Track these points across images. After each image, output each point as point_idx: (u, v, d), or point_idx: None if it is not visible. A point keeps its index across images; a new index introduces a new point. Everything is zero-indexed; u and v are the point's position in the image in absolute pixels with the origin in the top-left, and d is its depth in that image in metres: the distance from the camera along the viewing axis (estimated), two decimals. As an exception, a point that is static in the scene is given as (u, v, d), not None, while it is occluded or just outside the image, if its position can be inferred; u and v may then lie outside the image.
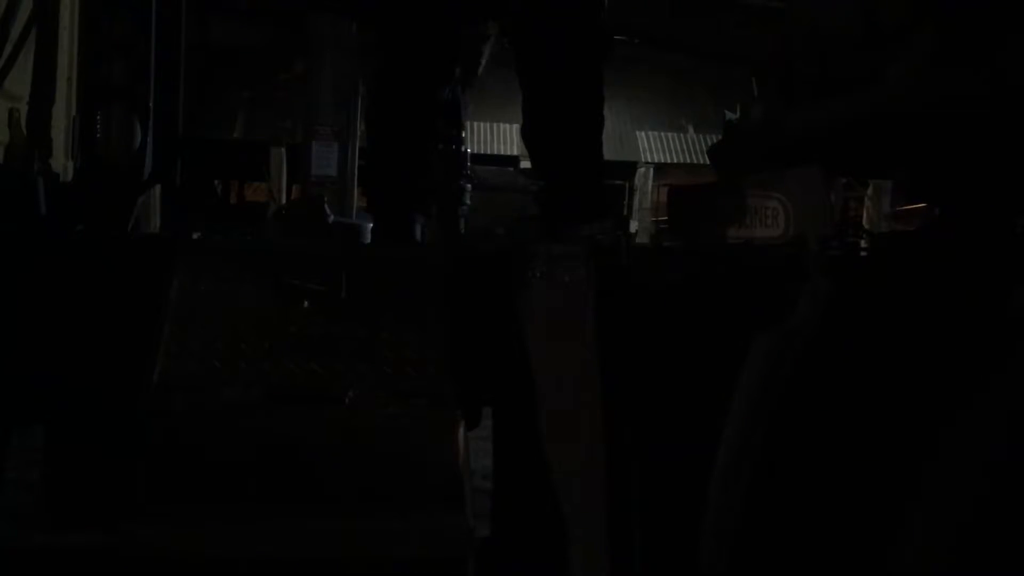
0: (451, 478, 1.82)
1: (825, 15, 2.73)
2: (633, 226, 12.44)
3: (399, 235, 2.73)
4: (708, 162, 4.08)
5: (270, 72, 12.29)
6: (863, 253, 2.63)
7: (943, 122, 2.24)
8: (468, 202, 6.71)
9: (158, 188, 2.91)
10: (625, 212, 13.69)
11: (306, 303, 1.96)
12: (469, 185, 6.75)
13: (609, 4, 2.80)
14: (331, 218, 2.70)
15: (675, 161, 14.27)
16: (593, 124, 2.74)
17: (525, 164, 11.72)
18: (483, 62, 5.34)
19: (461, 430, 1.92)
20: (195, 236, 2.35)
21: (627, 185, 14.12)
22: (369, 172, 3.22)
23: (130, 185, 2.54)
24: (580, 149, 2.71)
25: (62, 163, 3.16)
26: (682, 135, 14.50)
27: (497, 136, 13.79)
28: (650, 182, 14.28)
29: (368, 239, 2.80)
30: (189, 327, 1.92)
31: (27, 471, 2.25)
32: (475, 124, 12.65)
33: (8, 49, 2.62)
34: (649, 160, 14.36)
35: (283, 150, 12.50)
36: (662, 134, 14.52)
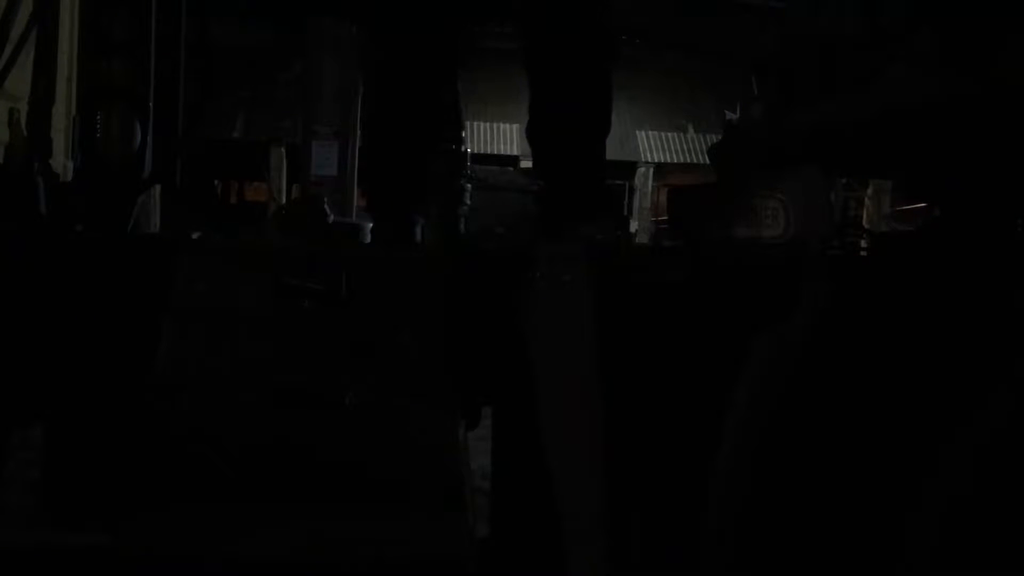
0: (451, 478, 1.82)
1: (825, 15, 2.73)
2: (633, 226, 12.42)
3: (399, 235, 2.73)
4: (708, 162, 4.08)
5: (270, 72, 12.29)
6: (863, 253, 2.63)
7: (943, 122, 2.24)
8: (468, 202, 6.70)
9: (158, 188, 2.91)
10: (625, 212, 13.68)
11: (306, 303, 1.96)
12: (469, 185, 6.74)
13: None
14: (331, 218, 2.70)
15: (675, 161, 14.26)
16: (598, 125, 2.74)
17: (525, 164, 11.72)
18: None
19: (461, 430, 1.92)
20: (195, 236, 2.35)
21: (627, 185, 14.11)
22: (369, 172, 3.21)
23: (130, 185, 2.54)
24: (584, 149, 2.71)
25: (62, 163, 3.16)
26: (682, 135, 14.49)
27: (497, 136, 13.78)
28: (650, 182, 14.26)
29: (368, 239, 2.80)
30: (189, 327, 1.92)
31: (27, 471, 2.25)
32: (475, 124, 12.64)
33: (8, 49, 2.62)
34: (649, 160, 14.35)
35: (283, 150, 12.50)
36: (662, 134, 14.51)
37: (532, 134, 2.78)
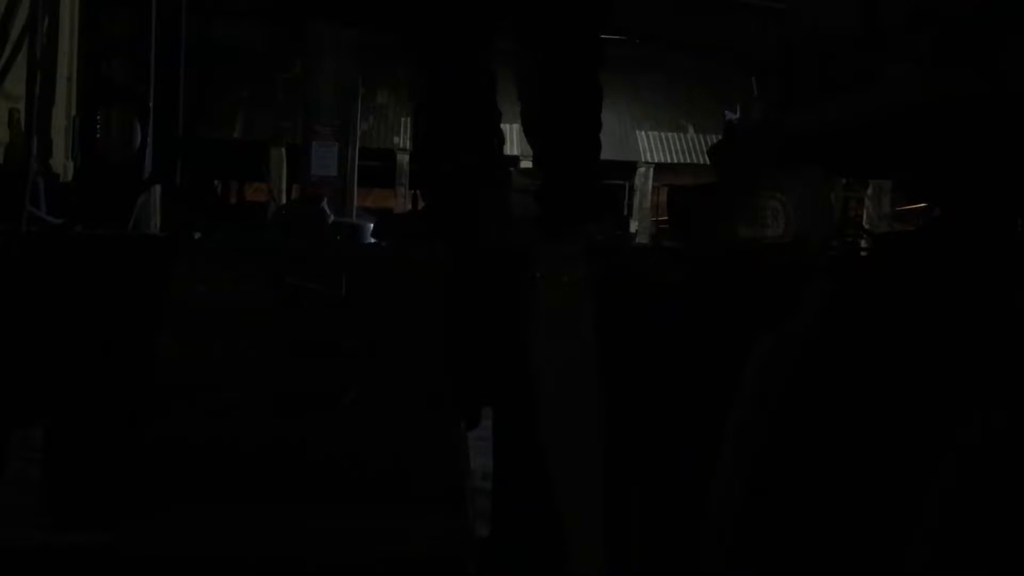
0: (451, 478, 1.82)
1: (825, 15, 2.73)
2: (633, 226, 12.43)
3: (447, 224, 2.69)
4: (708, 162, 4.08)
5: (270, 72, 12.31)
6: (863, 253, 2.63)
7: (943, 122, 2.24)
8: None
9: (158, 188, 2.92)
10: (625, 212, 13.69)
11: (306, 303, 1.96)
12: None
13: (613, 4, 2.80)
14: (331, 218, 2.70)
15: (675, 161, 14.28)
16: (588, 123, 2.74)
17: (525, 164, 11.72)
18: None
19: (461, 430, 1.92)
20: (195, 236, 2.35)
21: (627, 185, 14.12)
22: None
23: (130, 185, 2.54)
24: (575, 146, 2.71)
25: (62, 163, 3.17)
26: (682, 135, 14.49)
27: (497, 136, 13.76)
28: (650, 182, 14.28)
29: (368, 239, 2.80)
30: (189, 327, 1.92)
31: (27, 471, 2.25)
32: (475, 124, 12.62)
33: (8, 49, 2.62)
34: (649, 160, 14.36)
35: (283, 150, 12.52)
36: (662, 134, 14.52)
37: (526, 130, 2.78)
